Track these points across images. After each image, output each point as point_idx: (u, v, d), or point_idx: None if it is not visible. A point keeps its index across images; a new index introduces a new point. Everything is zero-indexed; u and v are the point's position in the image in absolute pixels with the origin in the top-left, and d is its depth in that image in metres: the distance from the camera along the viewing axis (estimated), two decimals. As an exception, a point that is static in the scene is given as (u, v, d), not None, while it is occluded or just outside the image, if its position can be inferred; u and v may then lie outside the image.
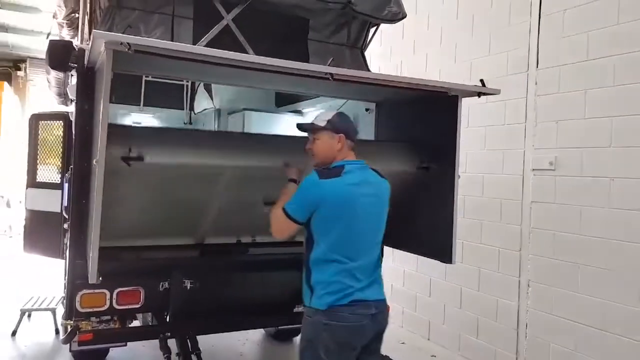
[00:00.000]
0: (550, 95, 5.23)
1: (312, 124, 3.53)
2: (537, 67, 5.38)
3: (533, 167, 5.36)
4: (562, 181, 5.07)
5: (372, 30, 5.18)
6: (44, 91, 18.20)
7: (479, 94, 4.13)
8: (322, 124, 3.43)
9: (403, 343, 6.80)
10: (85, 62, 3.75)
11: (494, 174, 5.85)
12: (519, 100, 5.55)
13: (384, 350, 4.73)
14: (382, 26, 5.21)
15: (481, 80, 4.05)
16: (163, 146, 3.68)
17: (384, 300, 3.46)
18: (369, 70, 5.11)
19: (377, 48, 7.22)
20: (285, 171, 3.77)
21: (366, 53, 5.26)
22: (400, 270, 7.12)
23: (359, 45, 5.14)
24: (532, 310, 5.34)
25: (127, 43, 2.88)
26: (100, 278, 3.17)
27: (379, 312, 3.36)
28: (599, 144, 4.75)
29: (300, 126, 3.67)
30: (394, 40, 7.53)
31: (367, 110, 5.10)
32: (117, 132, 3.40)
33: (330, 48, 4.93)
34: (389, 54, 7.73)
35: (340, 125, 3.45)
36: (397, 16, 4.95)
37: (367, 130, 5.08)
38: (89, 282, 3.16)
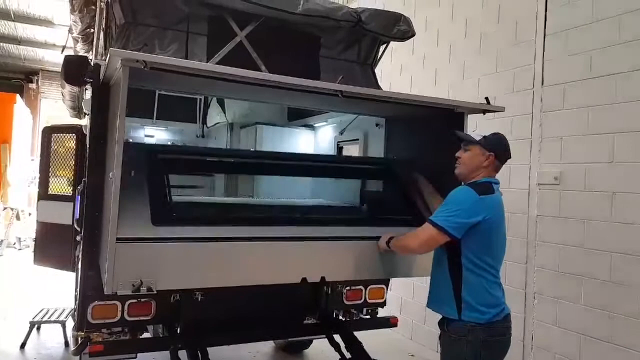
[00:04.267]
0: (555, 112, 5.30)
1: (468, 135, 3.64)
2: (543, 84, 5.45)
3: (539, 182, 5.43)
4: (567, 195, 5.14)
5: (382, 47, 5.24)
6: (56, 103, 18.43)
7: (484, 112, 4.20)
8: (478, 138, 3.55)
9: (412, 355, 6.83)
10: (101, 77, 3.81)
11: (501, 188, 5.85)
12: (525, 116, 5.61)
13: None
14: (393, 43, 5.28)
15: (486, 98, 4.12)
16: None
17: None
18: (378, 85, 5.18)
19: (387, 64, 7.30)
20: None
21: (376, 69, 5.33)
22: (409, 283, 7.15)
23: (369, 61, 5.20)
24: (538, 322, 5.38)
25: (144, 61, 2.94)
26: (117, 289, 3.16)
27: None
28: (601, 159, 4.83)
29: (457, 134, 3.74)
30: (404, 57, 7.61)
31: (377, 125, 5.17)
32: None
33: (341, 64, 4.98)
34: (399, 69, 7.81)
35: (493, 144, 3.53)
36: (407, 34, 5.02)
37: (377, 145, 5.16)
38: (105, 292, 3.16)
